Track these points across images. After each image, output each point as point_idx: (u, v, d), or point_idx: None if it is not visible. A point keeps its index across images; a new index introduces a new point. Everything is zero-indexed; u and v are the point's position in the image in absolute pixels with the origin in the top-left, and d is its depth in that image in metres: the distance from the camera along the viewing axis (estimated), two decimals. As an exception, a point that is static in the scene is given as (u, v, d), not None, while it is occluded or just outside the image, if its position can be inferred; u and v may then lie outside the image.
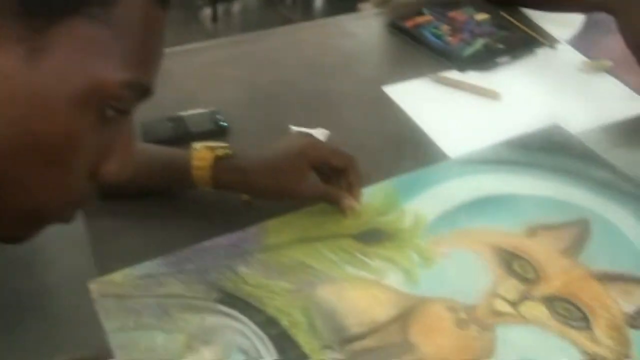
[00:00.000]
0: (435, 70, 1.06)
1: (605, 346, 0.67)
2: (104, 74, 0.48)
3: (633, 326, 0.69)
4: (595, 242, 0.78)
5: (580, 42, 1.14)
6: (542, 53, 1.12)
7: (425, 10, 1.19)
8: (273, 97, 1.01)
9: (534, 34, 1.14)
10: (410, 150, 0.91)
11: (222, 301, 0.71)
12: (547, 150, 0.91)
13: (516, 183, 0.86)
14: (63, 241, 0.77)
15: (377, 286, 0.73)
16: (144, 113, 0.94)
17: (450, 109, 1.00)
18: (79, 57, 0.47)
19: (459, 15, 1.17)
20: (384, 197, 0.83)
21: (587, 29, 1.18)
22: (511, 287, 0.73)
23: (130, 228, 0.80)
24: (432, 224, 0.80)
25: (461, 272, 0.75)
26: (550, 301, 0.71)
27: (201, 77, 1.05)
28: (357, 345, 0.67)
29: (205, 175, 0.77)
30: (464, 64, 1.08)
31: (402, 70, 1.07)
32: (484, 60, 1.09)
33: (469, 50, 1.10)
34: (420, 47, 1.12)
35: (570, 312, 0.70)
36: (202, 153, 0.77)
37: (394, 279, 0.74)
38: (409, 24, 1.16)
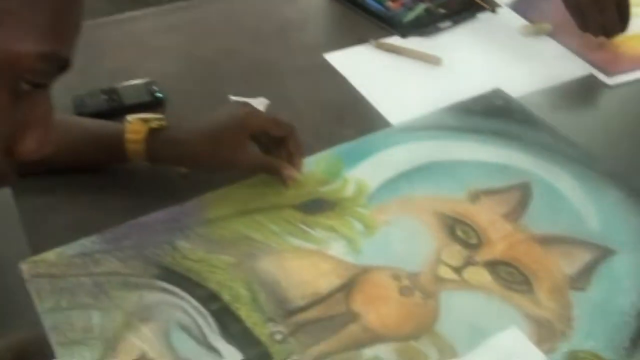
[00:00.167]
0: (376, 37, 1.04)
1: (547, 309, 0.67)
2: (17, 47, 0.45)
3: (574, 288, 0.69)
4: (537, 205, 0.78)
5: (520, 6, 1.14)
6: (483, 17, 1.11)
7: (366, -24, 1.17)
8: (211, 67, 0.99)
9: (475, -1, 1.14)
10: (352, 118, 0.90)
11: (161, 277, 0.69)
12: (488, 115, 0.90)
13: (458, 149, 0.85)
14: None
15: (320, 256, 0.72)
16: (76, 85, 0.91)
17: (392, 75, 0.99)
18: None
19: (400, -20, 1.16)
20: (325, 166, 0.82)
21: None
22: (454, 253, 0.73)
23: (63, 205, 0.77)
24: (374, 192, 0.79)
25: (404, 240, 0.74)
26: (493, 266, 0.71)
27: (136, 47, 1.02)
28: (301, 317, 0.66)
29: (140, 149, 0.75)
30: (405, 29, 1.06)
31: (343, 37, 1.05)
32: (426, 25, 1.08)
33: (410, 16, 1.09)
34: (361, 13, 1.10)
35: (512, 276, 0.70)
36: (135, 126, 0.74)
37: (336, 248, 0.73)
38: (349, -11, 1.14)
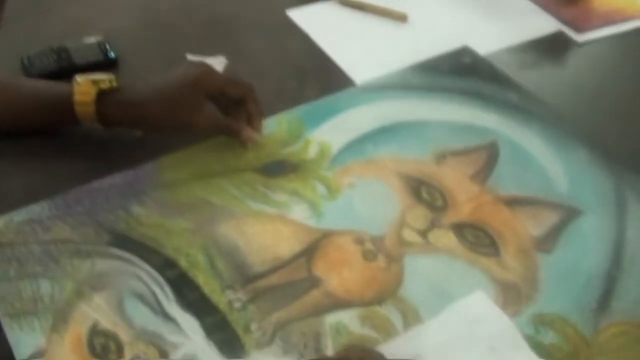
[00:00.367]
0: (341, -7, 1.01)
1: (513, 271, 0.66)
2: None
3: (541, 250, 0.68)
4: (504, 165, 0.76)
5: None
6: (451, -27, 1.08)
7: None
8: (168, 24, 0.94)
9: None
10: (315, 78, 0.87)
11: (114, 244, 0.67)
12: (455, 73, 0.88)
13: (424, 108, 0.82)
14: None
15: (281, 220, 0.69)
16: (24, 44, 0.87)
17: (356, 33, 0.95)
18: None
19: None
20: (287, 128, 0.79)
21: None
22: (420, 216, 0.70)
23: (10, 170, 0.73)
24: (337, 153, 0.76)
25: (368, 203, 0.72)
26: (459, 228, 0.69)
27: (88, 3, 0.97)
28: (261, 284, 0.64)
29: (90, 111, 0.71)
30: (371, -15, 1.03)
31: (307, -7, 1.01)
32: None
33: (376, -28, 1.05)
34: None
35: (479, 238, 0.68)
36: (84, 87, 0.71)
37: (298, 212, 0.70)
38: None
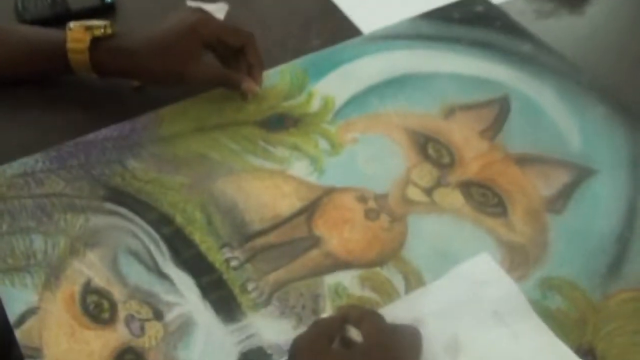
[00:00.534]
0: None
1: (521, 233, 0.63)
2: None
3: (551, 210, 0.65)
4: (515, 121, 0.73)
5: None
6: None
7: None
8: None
9: None
10: (320, 27, 0.83)
11: (109, 199, 0.65)
12: (467, 22, 0.84)
13: (434, 60, 0.79)
14: None
15: (281, 177, 0.67)
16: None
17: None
18: None
19: None
20: (290, 79, 0.76)
21: None
22: (425, 173, 0.68)
23: (3, 122, 0.71)
24: (341, 107, 0.73)
25: (372, 159, 0.69)
26: (465, 187, 0.67)
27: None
28: (258, 242, 0.62)
29: (83, 59, 0.68)
30: None
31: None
32: None
33: None
34: None
35: (486, 198, 0.66)
36: (77, 33, 0.68)
37: (299, 168, 0.68)
38: None
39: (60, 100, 0.73)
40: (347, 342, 0.53)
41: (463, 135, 0.71)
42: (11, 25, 0.75)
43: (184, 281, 0.59)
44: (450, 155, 0.69)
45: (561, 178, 0.68)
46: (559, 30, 0.84)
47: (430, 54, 0.80)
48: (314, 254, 0.62)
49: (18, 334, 0.56)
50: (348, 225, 0.63)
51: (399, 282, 0.60)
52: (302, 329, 0.54)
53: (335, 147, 0.70)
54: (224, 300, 0.58)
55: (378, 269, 0.60)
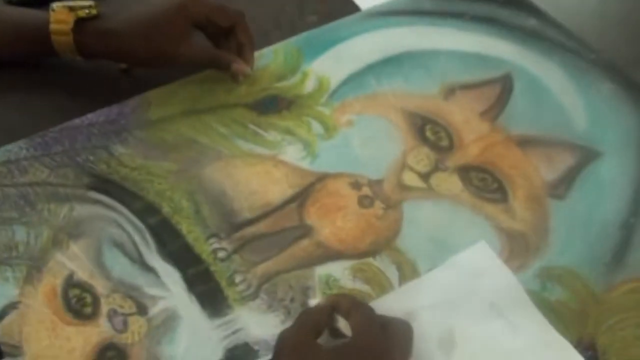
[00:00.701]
0: None
1: (522, 220, 0.61)
2: None
3: (553, 195, 0.62)
4: (518, 101, 0.69)
5: None
6: None
7: None
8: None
9: None
10: (315, 3, 0.80)
11: (94, 187, 0.63)
12: (470, -4, 0.80)
13: (434, 37, 0.75)
14: None
15: (272, 162, 0.65)
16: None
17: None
18: None
19: None
20: (283, 59, 0.73)
21: None
22: (422, 157, 0.65)
23: (-14, 106, 0.69)
24: (337, 88, 0.70)
25: (367, 142, 0.66)
26: (464, 171, 0.64)
27: None
28: (247, 232, 0.60)
29: (67, 41, 0.66)
30: None
31: None
32: None
33: None
34: None
35: (485, 182, 0.63)
36: (60, 14, 0.65)
37: (291, 153, 0.65)
38: None
39: (46, 83, 0.70)
40: (337, 333, 0.51)
41: (463, 116, 0.68)
42: (-6, 7, 0.72)
43: (169, 274, 0.57)
44: (449, 137, 0.67)
45: (565, 161, 0.65)
46: (565, 4, 0.80)
47: (431, 30, 0.76)
48: (305, 243, 0.59)
49: (-2, 329, 0.54)
50: (341, 213, 0.61)
51: (392, 273, 0.57)
52: (290, 323, 0.52)
53: (329, 130, 0.67)
54: (210, 294, 0.56)
55: (371, 259, 0.58)
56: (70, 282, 0.57)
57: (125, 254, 0.58)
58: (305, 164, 0.64)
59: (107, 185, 0.63)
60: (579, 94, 0.70)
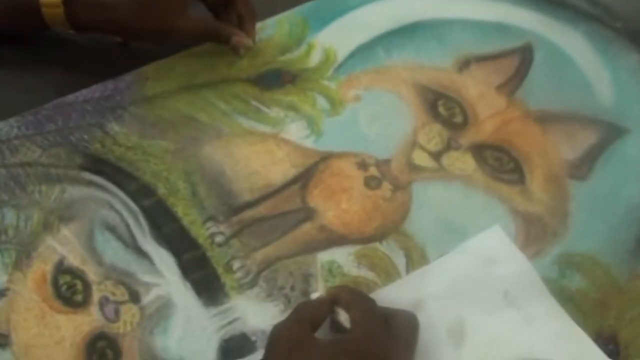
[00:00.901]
0: None
1: (539, 202, 0.57)
2: None
3: (574, 176, 0.58)
4: (538, 73, 0.65)
5: None
6: None
7: None
8: None
9: None
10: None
11: (87, 168, 0.60)
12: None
13: (448, 5, 0.70)
14: None
15: (274, 140, 0.61)
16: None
17: None
18: None
19: None
20: (288, 30, 0.69)
21: None
22: (434, 134, 0.61)
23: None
24: (344, 60, 0.66)
25: (375, 118, 0.62)
26: (478, 150, 0.60)
27: None
28: (247, 215, 0.57)
29: (59, 14, 0.62)
30: None
31: None
32: None
33: None
34: None
35: (501, 162, 0.59)
36: (50, -15, 0.62)
37: (295, 130, 0.62)
38: None
39: (40, 58, 0.67)
40: (338, 327, 0.48)
41: (478, 90, 0.64)
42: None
43: (163, 259, 0.54)
44: (463, 113, 0.62)
45: (587, 139, 0.61)
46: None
47: (446, -3, 0.72)
48: (307, 227, 0.56)
49: (-15, 318, 0.52)
50: (346, 195, 0.58)
51: (399, 260, 0.54)
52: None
53: (335, 106, 0.63)
54: (206, 281, 0.53)
55: (377, 244, 0.55)
56: (61, 268, 0.54)
57: (118, 238, 0.55)
58: (309, 143, 0.61)
59: (101, 166, 0.60)
60: (604, 66, 0.66)
